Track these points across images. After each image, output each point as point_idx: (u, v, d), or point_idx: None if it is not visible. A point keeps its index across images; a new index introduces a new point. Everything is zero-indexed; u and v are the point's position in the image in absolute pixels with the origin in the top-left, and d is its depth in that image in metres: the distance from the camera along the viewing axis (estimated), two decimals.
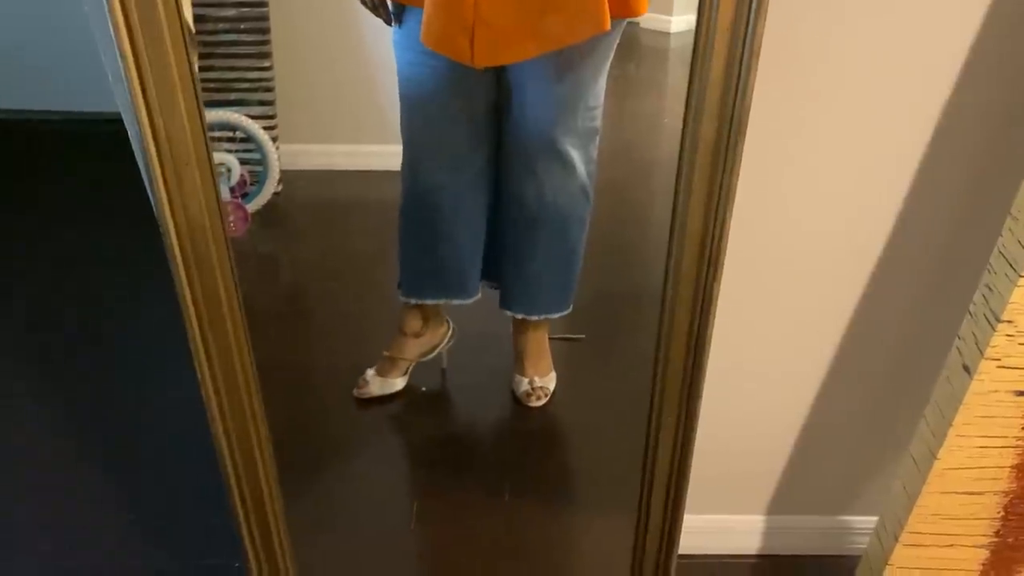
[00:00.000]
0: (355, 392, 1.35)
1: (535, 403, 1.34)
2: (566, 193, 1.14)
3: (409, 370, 1.40)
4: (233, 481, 0.93)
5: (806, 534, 1.36)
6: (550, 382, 1.36)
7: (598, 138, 1.12)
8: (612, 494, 1.34)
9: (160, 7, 0.67)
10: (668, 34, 1.24)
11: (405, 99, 1.08)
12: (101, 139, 1.71)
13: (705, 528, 1.34)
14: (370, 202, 1.47)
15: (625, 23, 1.03)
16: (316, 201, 1.54)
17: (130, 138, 0.89)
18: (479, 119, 1.07)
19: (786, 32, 0.87)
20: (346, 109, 1.34)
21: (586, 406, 1.51)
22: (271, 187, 1.44)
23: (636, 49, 1.27)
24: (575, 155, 1.11)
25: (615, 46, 1.03)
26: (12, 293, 1.93)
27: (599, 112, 1.11)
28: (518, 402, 1.41)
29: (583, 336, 1.48)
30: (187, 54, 0.70)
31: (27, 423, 1.59)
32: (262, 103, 1.40)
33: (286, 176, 1.45)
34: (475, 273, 1.23)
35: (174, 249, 0.77)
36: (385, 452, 1.45)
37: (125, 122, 0.89)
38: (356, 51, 1.27)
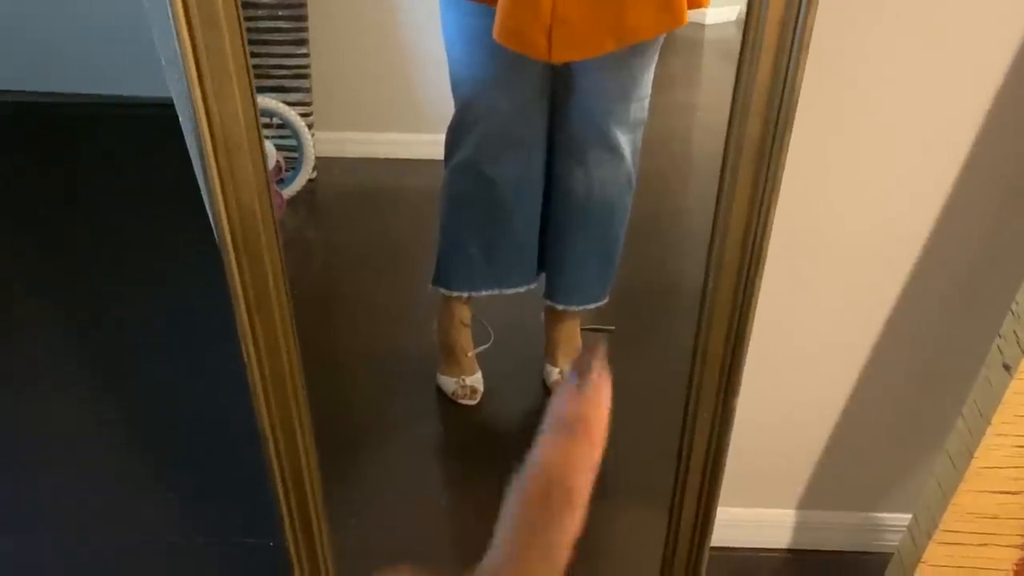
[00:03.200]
0: (464, 401, 1.36)
1: None
2: (614, 182, 1.15)
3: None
4: (275, 463, 0.95)
5: (838, 530, 1.36)
6: None
7: (642, 129, 1.12)
8: (643, 486, 1.35)
9: None
10: (703, 26, 1.24)
11: (467, 95, 1.08)
12: (149, 123, 1.74)
13: (737, 521, 1.34)
14: (405, 190, 1.47)
15: None
16: (350, 188, 1.55)
17: (181, 124, 0.91)
18: (535, 107, 1.08)
19: (835, 28, 0.87)
20: (382, 97, 1.35)
21: (617, 397, 1.51)
22: (306, 174, 1.45)
23: (672, 42, 1.27)
24: (625, 145, 1.11)
25: (663, 39, 1.04)
26: (60, 267, 1.96)
27: (648, 102, 1.11)
28: (549, 391, 1.42)
29: (613, 328, 1.49)
30: (243, 41, 0.72)
31: (68, 402, 1.62)
32: (299, 90, 1.41)
33: (321, 163, 1.46)
34: (533, 259, 1.24)
35: (226, 234, 0.79)
36: (417, 441, 1.46)
37: (177, 108, 0.90)
38: (393, 40, 1.28)
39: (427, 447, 1.45)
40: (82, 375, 1.67)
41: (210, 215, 0.80)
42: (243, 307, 0.83)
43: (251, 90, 0.74)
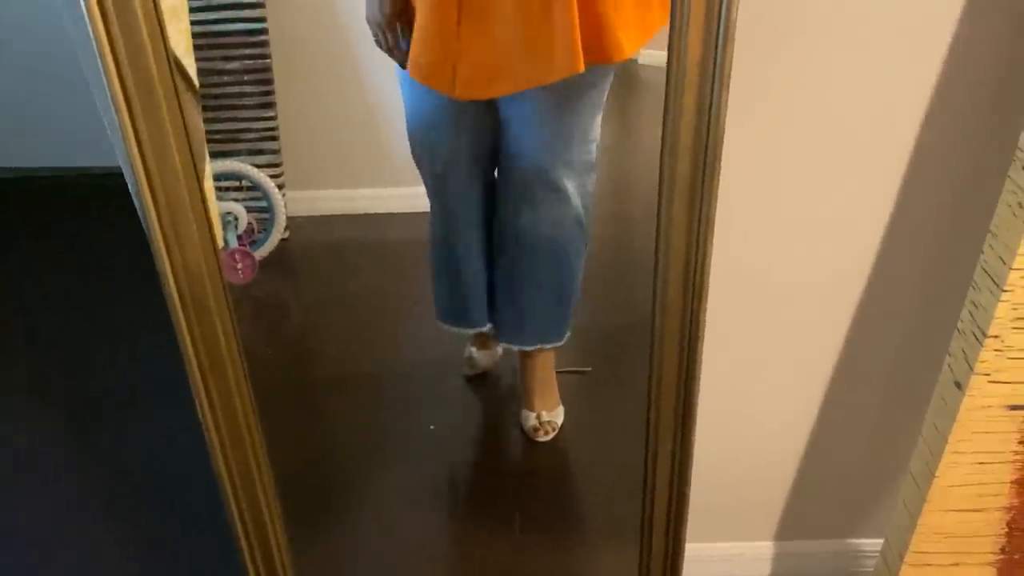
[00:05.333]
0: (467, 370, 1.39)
1: (543, 438, 1.35)
2: (560, 225, 1.16)
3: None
4: (237, 522, 0.95)
5: (816, 559, 1.36)
6: (558, 416, 1.37)
7: (594, 174, 1.14)
8: (620, 526, 1.35)
9: (150, 55, 0.70)
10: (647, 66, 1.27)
11: (411, 135, 1.11)
12: (103, 193, 1.75)
13: (714, 556, 1.34)
14: (379, 245, 1.49)
15: (613, 65, 1.06)
16: (324, 246, 1.56)
17: (130, 190, 0.92)
18: (479, 152, 1.11)
19: (756, 65, 0.90)
20: (351, 153, 1.37)
21: (595, 439, 1.51)
22: (278, 234, 1.47)
23: (636, 84, 1.30)
24: (570, 187, 1.14)
25: (609, 83, 1.06)
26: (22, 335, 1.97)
27: (595, 147, 1.13)
28: (527, 436, 1.42)
29: (590, 369, 1.50)
30: (179, 104, 0.73)
31: (29, 465, 1.62)
32: (268, 152, 1.43)
33: (293, 222, 1.47)
34: (481, 303, 1.25)
35: (173, 295, 0.80)
36: (394, 486, 1.46)
37: (125, 174, 0.92)
38: (359, 97, 1.30)
39: (402, 492, 1.45)
40: (37, 437, 1.66)
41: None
42: (195, 366, 0.84)
43: (191, 152, 0.76)
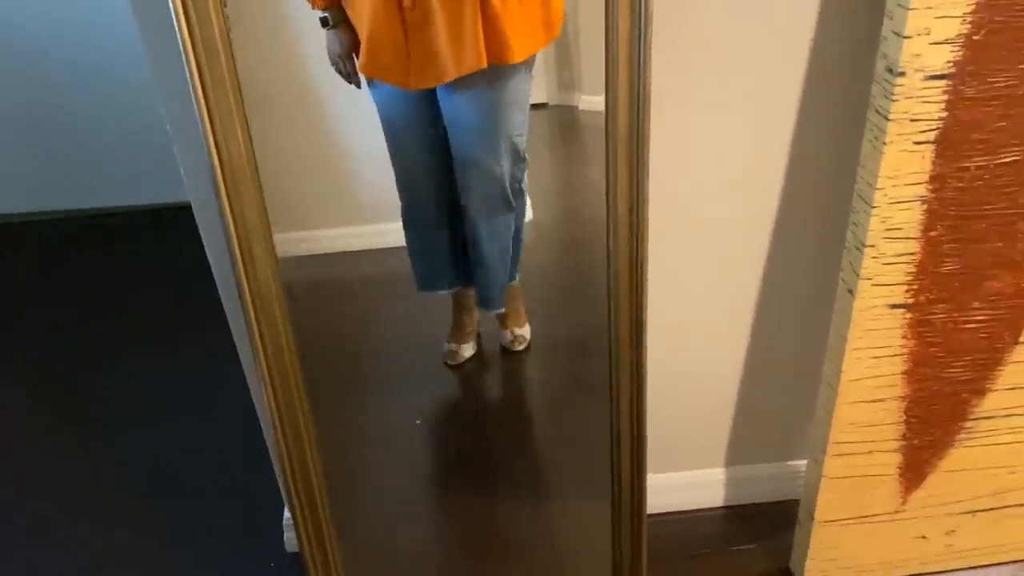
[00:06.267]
0: (450, 361, 1.58)
1: (518, 347, 1.57)
2: (490, 200, 1.41)
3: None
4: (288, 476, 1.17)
5: (764, 482, 1.58)
6: (527, 332, 1.58)
7: (524, 164, 1.40)
8: (595, 477, 1.56)
9: (231, 98, 0.94)
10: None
11: (385, 133, 1.36)
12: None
13: (673, 485, 1.55)
14: (346, 283, 1.66)
15: (526, 71, 1.32)
16: (291, 286, 1.75)
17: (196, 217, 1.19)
18: (433, 140, 1.36)
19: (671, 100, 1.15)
20: (316, 194, 1.46)
21: (554, 411, 1.73)
22: None
23: (578, 126, 1.54)
24: (497, 171, 1.39)
25: (527, 87, 1.33)
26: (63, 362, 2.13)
27: (522, 140, 1.39)
28: (507, 351, 1.62)
29: None
30: (250, 138, 0.96)
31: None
32: None
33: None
34: (455, 268, 1.48)
35: (248, 303, 1.05)
36: (387, 480, 1.65)
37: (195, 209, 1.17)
38: (321, 137, 1.45)
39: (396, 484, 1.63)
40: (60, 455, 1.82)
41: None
42: (261, 357, 1.09)
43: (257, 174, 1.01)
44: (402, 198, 1.42)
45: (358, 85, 1.29)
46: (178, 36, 0.91)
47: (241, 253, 1.03)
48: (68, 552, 1.60)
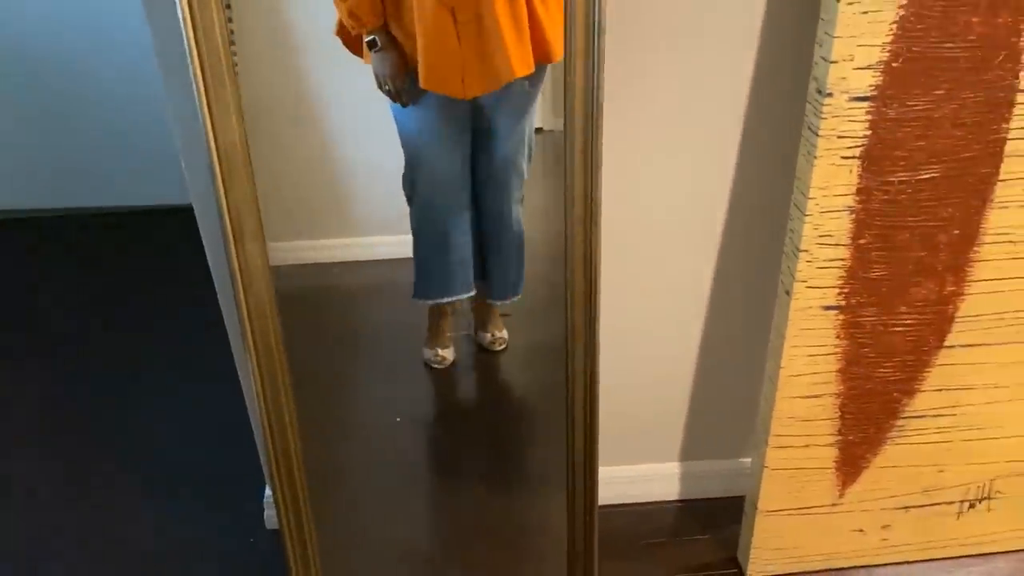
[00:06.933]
0: (436, 365, 1.66)
1: (498, 347, 1.66)
2: (519, 202, 1.51)
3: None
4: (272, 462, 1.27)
5: (716, 477, 1.68)
6: (505, 334, 1.68)
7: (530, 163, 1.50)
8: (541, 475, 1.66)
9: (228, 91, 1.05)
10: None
11: (413, 150, 1.42)
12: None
13: (629, 478, 1.66)
14: (342, 291, 1.76)
15: (545, 69, 1.42)
16: (288, 295, 1.85)
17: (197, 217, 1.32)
18: (462, 149, 1.44)
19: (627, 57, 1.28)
20: (315, 206, 1.55)
21: (542, 405, 1.83)
22: None
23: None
24: (525, 171, 1.48)
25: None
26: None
27: (533, 137, 1.49)
28: (485, 350, 1.71)
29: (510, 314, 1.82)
30: (245, 136, 1.08)
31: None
32: None
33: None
34: (470, 272, 1.57)
35: (241, 300, 1.16)
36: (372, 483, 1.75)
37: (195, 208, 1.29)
38: (320, 151, 1.49)
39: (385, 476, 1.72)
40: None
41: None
42: (251, 343, 1.20)
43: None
44: (420, 209, 1.47)
45: (405, 103, 1.34)
46: (184, 42, 1.02)
47: (233, 232, 1.12)
48: (54, 523, 1.70)
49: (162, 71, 1.21)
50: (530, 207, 1.53)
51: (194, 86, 1.04)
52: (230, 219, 1.13)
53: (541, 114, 1.44)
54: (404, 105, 1.34)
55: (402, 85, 1.32)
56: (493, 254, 1.56)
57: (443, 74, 1.30)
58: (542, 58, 1.30)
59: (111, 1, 2.49)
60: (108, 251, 2.69)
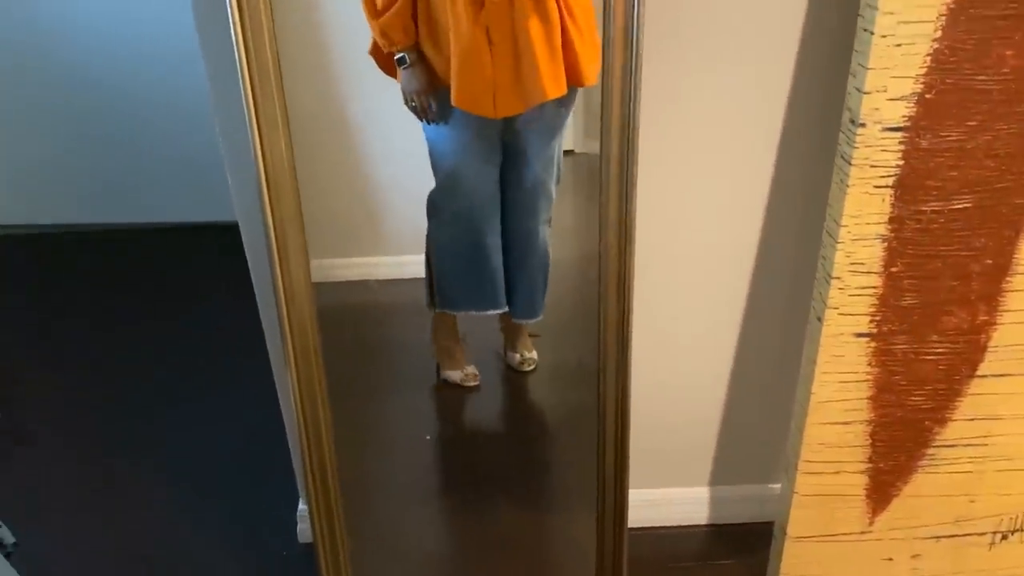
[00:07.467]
0: (469, 383, 1.68)
1: (527, 368, 1.68)
2: (547, 224, 1.54)
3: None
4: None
5: (746, 502, 1.69)
6: (535, 355, 1.70)
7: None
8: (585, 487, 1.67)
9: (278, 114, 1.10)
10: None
11: (444, 169, 1.45)
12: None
13: (659, 501, 1.67)
14: (368, 310, 1.79)
15: (577, 92, 1.45)
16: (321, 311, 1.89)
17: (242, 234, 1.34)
18: (492, 168, 1.47)
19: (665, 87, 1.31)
20: (346, 225, 1.58)
21: (572, 425, 1.85)
22: None
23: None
24: (553, 190, 1.51)
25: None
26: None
27: (561, 159, 1.52)
28: (515, 371, 1.73)
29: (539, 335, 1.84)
30: (293, 156, 1.12)
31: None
32: None
33: None
34: (500, 288, 1.59)
35: (282, 307, 1.20)
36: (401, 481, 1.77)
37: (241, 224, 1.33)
38: (352, 171, 1.52)
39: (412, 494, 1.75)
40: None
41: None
42: (290, 350, 1.23)
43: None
44: (450, 225, 1.51)
45: (430, 121, 1.37)
46: (237, 64, 1.07)
47: (278, 248, 1.17)
48: (87, 535, 1.75)
49: (211, 88, 1.26)
50: (557, 228, 1.55)
51: (243, 101, 1.08)
52: (275, 235, 1.17)
53: (571, 136, 1.46)
54: (429, 123, 1.37)
55: (428, 102, 1.35)
56: (518, 274, 1.58)
57: (475, 93, 1.33)
58: (574, 81, 1.33)
59: (160, 25, 2.57)
60: (147, 266, 2.76)
